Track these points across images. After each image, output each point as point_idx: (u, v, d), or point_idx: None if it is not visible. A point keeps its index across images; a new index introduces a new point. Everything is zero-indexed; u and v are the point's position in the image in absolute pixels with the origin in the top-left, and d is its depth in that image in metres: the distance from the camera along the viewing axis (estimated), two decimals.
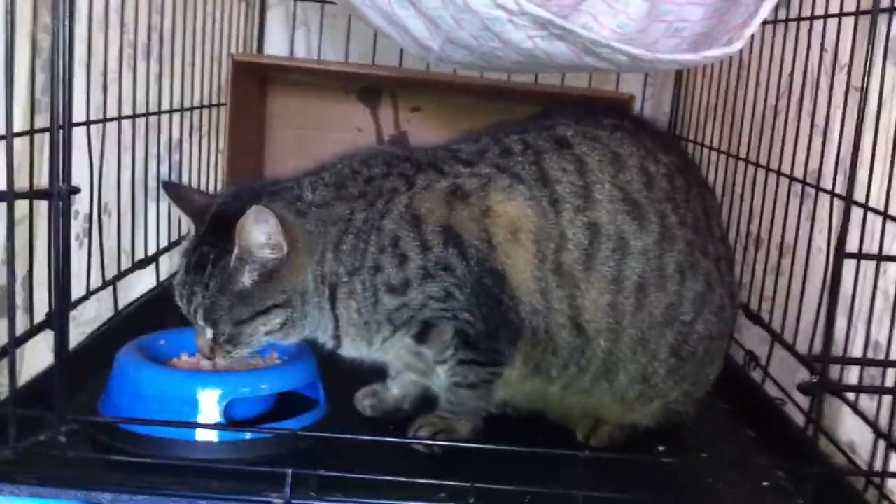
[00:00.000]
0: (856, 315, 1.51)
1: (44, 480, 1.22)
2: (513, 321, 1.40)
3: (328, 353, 1.47)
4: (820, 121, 1.68)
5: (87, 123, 1.62)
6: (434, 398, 1.50)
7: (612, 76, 2.43)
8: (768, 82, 1.89)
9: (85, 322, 1.79)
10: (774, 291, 1.78)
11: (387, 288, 1.39)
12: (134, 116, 1.84)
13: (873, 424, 1.39)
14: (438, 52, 1.57)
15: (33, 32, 1.49)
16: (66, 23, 1.19)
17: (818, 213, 1.69)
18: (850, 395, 1.47)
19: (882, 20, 1.44)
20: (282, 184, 1.45)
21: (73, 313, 1.62)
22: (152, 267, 1.91)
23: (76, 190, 1.24)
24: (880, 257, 1.40)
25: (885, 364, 1.36)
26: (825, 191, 1.60)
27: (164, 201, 1.47)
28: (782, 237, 1.79)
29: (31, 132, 1.39)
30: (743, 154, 1.99)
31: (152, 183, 1.92)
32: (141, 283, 1.95)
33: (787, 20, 1.80)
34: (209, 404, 1.36)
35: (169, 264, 2.01)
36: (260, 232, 1.33)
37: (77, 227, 1.72)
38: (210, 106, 2.25)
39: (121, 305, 1.78)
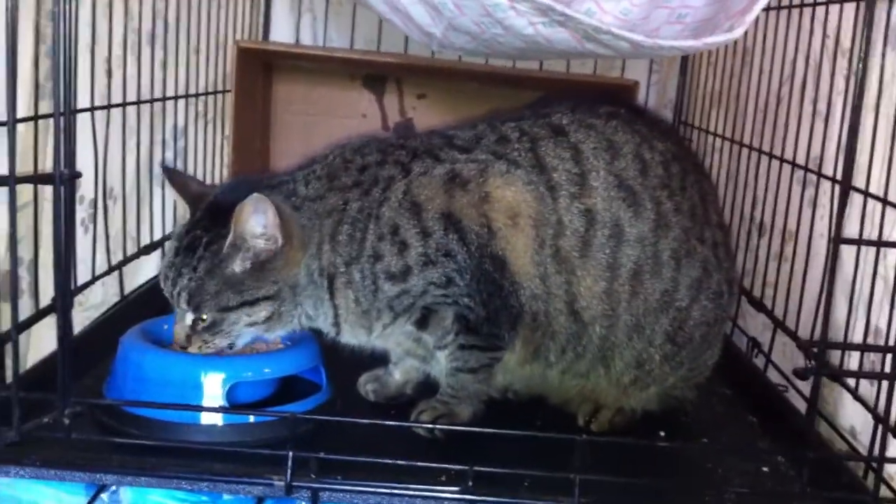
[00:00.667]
0: (856, 301, 1.51)
1: (48, 463, 1.24)
2: (513, 306, 1.41)
3: (331, 339, 1.48)
4: (822, 107, 1.67)
5: (92, 109, 1.63)
6: (437, 383, 1.51)
7: (617, 63, 2.43)
8: (771, 69, 1.89)
9: (91, 307, 1.81)
10: (777, 278, 1.79)
11: (387, 275, 1.40)
12: (139, 103, 1.85)
13: (872, 409, 1.39)
14: (441, 38, 1.57)
15: (37, 19, 1.49)
16: (69, 9, 1.20)
17: (820, 199, 1.69)
18: (851, 382, 1.48)
19: (882, 6, 1.44)
20: (278, 178, 1.46)
21: (79, 298, 1.64)
22: (158, 252, 1.92)
23: (78, 175, 1.24)
24: (880, 243, 1.40)
25: (884, 350, 1.36)
26: (826, 177, 1.60)
27: (170, 187, 1.48)
28: (785, 224, 1.79)
29: (34, 118, 1.40)
30: (747, 141, 1.99)
31: (157, 169, 1.94)
32: (147, 269, 1.97)
33: (789, 6, 1.80)
34: (212, 388, 1.37)
35: None
36: (257, 220, 1.34)
37: (82, 212, 1.73)
38: (215, 92, 2.25)
39: (127, 290, 1.80)
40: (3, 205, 1.32)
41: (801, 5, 1.75)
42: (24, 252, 1.60)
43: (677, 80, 2.49)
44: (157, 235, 1.94)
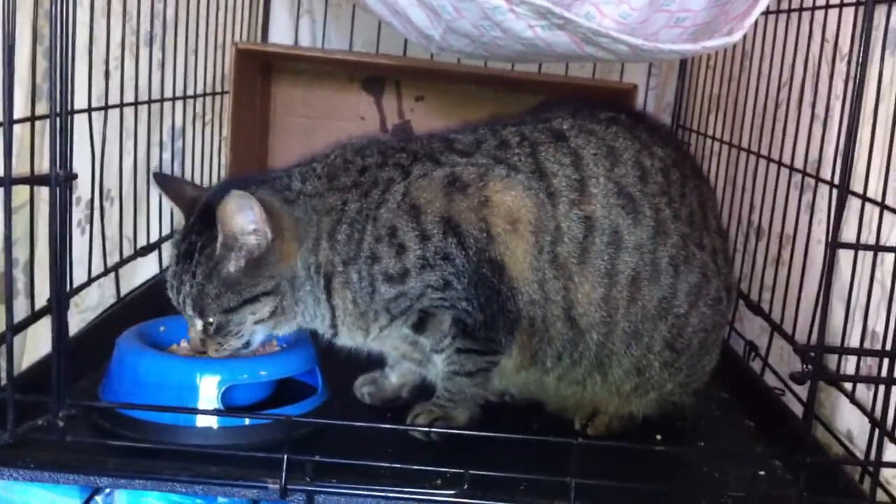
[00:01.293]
0: (853, 305, 1.51)
1: (42, 465, 1.23)
2: (510, 311, 1.41)
3: (328, 341, 1.48)
4: (820, 111, 1.67)
5: (89, 111, 1.63)
6: (433, 387, 1.51)
7: (616, 66, 2.43)
8: (770, 73, 1.89)
9: (88, 309, 1.81)
10: (774, 282, 1.78)
11: (384, 277, 1.39)
12: (136, 104, 1.85)
13: (869, 413, 1.39)
14: (440, 41, 1.57)
15: (34, 19, 1.49)
16: (65, 9, 1.19)
17: (817, 203, 1.69)
18: (848, 386, 1.48)
19: (881, 10, 1.44)
20: (271, 174, 1.46)
21: (75, 300, 1.64)
22: (155, 254, 1.92)
23: (73, 176, 1.24)
24: (877, 248, 1.39)
25: (881, 354, 1.36)
26: (824, 181, 1.60)
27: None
28: (782, 228, 1.79)
29: (31, 119, 1.40)
30: (745, 144, 1.99)
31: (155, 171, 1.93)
32: (144, 271, 1.97)
33: (789, 10, 1.80)
34: (208, 390, 1.37)
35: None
36: (243, 217, 1.33)
37: (79, 213, 1.74)
38: (213, 94, 2.25)
39: (124, 293, 1.79)
40: None
41: (801, 9, 1.75)
42: (21, 253, 1.60)
43: (676, 83, 2.49)
44: (154, 237, 1.94)
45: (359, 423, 1.40)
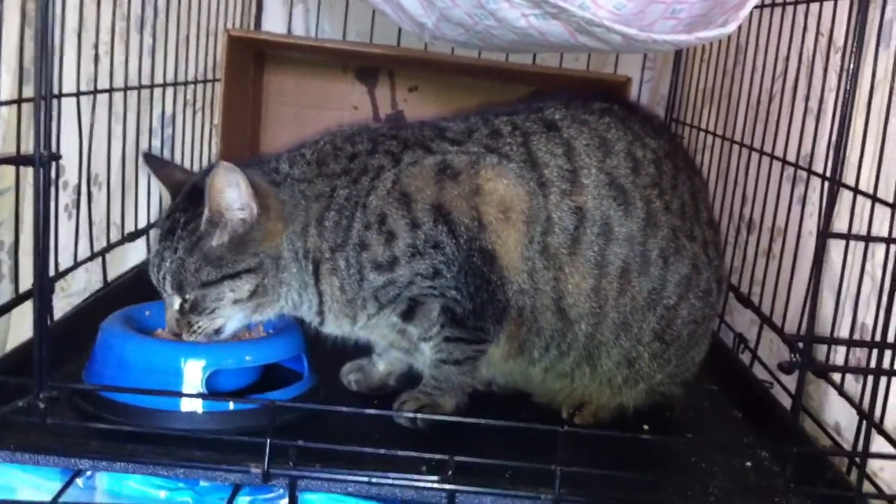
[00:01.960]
0: (843, 298, 1.51)
1: (22, 447, 1.23)
2: (499, 300, 1.40)
3: (314, 330, 1.47)
4: (814, 105, 1.67)
5: (77, 94, 1.62)
6: (420, 375, 1.50)
7: (610, 58, 2.42)
8: (764, 66, 1.88)
9: (74, 293, 1.80)
10: (765, 274, 1.78)
11: (373, 265, 1.38)
12: (126, 89, 1.84)
13: (857, 405, 1.38)
14: (433, 29, 1.56)
15: (23, 2, 1.48)
16: None
17: (809, 196, 1.68)
18: (837, 378, 1.47)
19: (875, 4, 1.43)
20: (260, 157, 1.46)
21: (61, 284, 1.63)
22: (143, 241, 1.91)
23: (58, 156, 1.23)
24: (867, 238, 1.39)
25: (870, 345, 1.35)
26: (816, 174, 1.60)
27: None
28: (774, 221, 1.79)
29: (18, 101, 1.39)
30: (738, 137, 1.98)
31: None
32: (132, 256, 1.96)
33: (783, 3, 1.79)
34: (192, 375, 1.36)
35: None
36: (230, 191, 1.33)
37: (66, 198, 1.72)
38: (205, 81, 2.24)
39: (111, 278, 1.78)
40: None
41: (795, 2, 1.74)
42: (6, 236, 1.59)
43: (670, 76, 2.48)
44: (142, 223, 1.93)
45: (344, 409, 1.39)
